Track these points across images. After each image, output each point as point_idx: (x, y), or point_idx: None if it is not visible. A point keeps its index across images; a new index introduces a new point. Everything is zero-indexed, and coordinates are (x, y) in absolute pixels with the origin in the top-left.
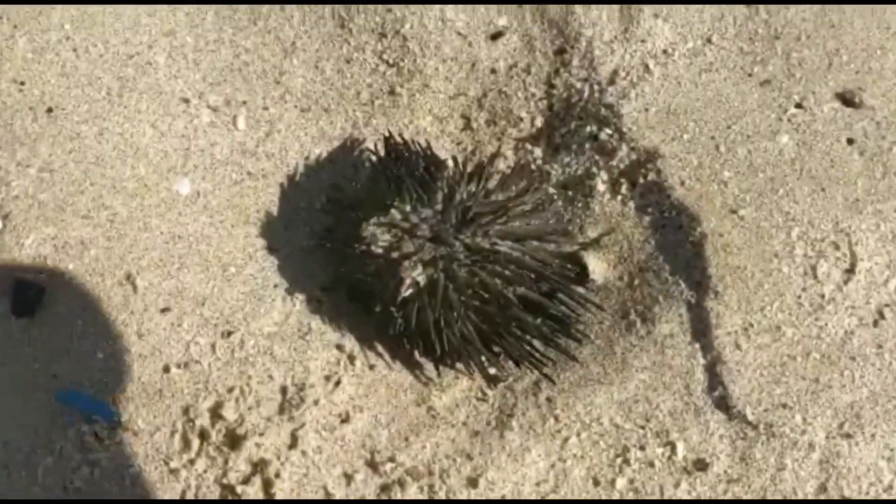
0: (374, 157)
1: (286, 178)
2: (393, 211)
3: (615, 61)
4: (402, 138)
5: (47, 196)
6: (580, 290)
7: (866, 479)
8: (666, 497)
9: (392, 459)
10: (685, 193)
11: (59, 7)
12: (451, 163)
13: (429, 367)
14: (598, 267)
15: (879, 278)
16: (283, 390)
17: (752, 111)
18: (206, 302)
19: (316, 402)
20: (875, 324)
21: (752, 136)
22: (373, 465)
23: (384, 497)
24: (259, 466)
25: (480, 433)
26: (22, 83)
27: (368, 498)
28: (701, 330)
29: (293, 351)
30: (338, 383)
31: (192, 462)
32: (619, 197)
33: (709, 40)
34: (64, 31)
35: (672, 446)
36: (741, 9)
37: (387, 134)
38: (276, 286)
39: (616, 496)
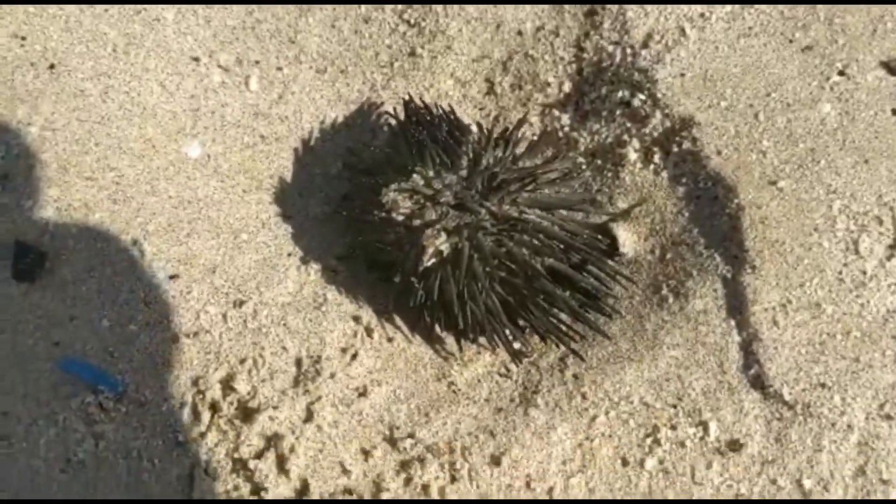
0: (393, 122)
1: (301, 143)
2: (415, 176)
3: (649, 24)
4: (423, 102)
5: (49, 156)
6: (610, 262)
7: None
8: (696, 479)
9: (412, 436)
10: (722, 163)
11: None
12: (475, 128)
13: (449, 340)
14: (628, 239)
15: None
16: (298, 362)
17: (793, 78)
18: (217, 270)
19: (332, 376)
20: None
21: (792, 104)
22: (391, 441)
23: (403, 474)
24: (273, 441)
25: (504, 410)
26: (23, 38)
27: (387, 475)
28: (736, 306)
29: (308, 322)
30: (355, 356)
31: (202, 435)
32: (652, 166)
33: (748, 3)
34: None
35: (704, 426)
36: None
37: (407, 97)
38: (290, 255)
39: (645, 477)
